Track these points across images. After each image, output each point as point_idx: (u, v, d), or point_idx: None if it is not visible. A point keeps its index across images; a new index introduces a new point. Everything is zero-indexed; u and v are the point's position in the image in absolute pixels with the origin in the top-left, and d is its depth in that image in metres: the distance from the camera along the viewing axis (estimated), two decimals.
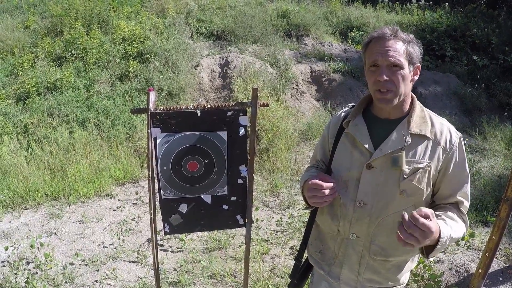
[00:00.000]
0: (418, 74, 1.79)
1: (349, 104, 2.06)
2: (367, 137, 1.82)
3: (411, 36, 1.75)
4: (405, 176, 1.75)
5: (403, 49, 1.69)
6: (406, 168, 1.74)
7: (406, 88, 1.73)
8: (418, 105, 1.83)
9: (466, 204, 1.89)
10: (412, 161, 1.75)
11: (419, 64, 1.76)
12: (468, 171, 1.86)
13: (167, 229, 2.35)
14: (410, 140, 1.76)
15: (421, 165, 1.75)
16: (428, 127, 1.78)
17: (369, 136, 1.82)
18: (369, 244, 1.85)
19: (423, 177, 1.76)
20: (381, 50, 1.69)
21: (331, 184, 1.74)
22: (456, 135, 1.81)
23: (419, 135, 1.77)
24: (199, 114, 2.18)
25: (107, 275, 3.96)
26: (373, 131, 1.83)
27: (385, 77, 1.68)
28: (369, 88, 1.79)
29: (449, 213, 1.80)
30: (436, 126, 1.80)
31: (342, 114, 2.00)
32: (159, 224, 2.41)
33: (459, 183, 1.84)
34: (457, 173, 1.82)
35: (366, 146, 1.80)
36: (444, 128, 1.80)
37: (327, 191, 1.73)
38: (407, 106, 1.82)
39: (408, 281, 2.03)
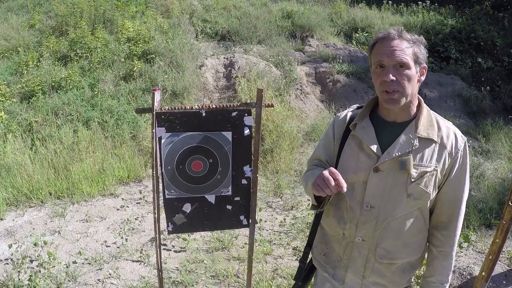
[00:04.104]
0: (425, 74, 1.78)
1: (354, 105, 2.04)
2: (374, 140, 1.81)
3: (416, 36, 1.74)
4: (412, 180, 1.74)
5: (409, 49, 1.68)
6: (413, 172, 1.73)
7: (412, 88, 1.72)
8: (425, 108, 1.82)
9: (460, 220, 1.87)
10: (419, 164, 1.75)
11: (425, 65, 1.75)
12: (468, 180, 1.84)
13: (170, 228, 2.36)
14: (417, 144, 1.75)
15: (428, 169, 1.75)
16: (435, 131, 1.78)
17: (376, 139, 1.81)
18: (375, 247, 1.85)
19: (430, 181, 1.75)
20: (386, 50, 1.68)
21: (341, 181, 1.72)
22: (462, 140, 1.80)
23: (426, 138, 1.76)
24: (204, 114, 2.18)
25: (110, 274, 3.97)
26: (380, 134, 1.82)
27: (391, 77, 1.67)
28: (376, 90, 1.78)
29: (438, 265, 1.92)
30: (443, 130, 1.79)
31: (348, 115, 1.98)
32: (163, 224, 2.41)
33: (458, 190, 1.83)
34: (458, 178, 1.81)
35: (374, 149, 1.79)
36: (450, 132, 1.80)
37: (335, 181, 1.70)
38: (414, 109, 1.81)
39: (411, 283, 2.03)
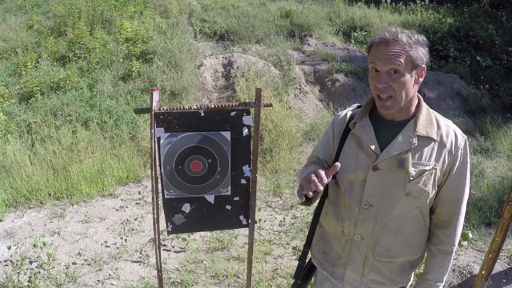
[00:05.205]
0: (423, 75, 1.75)
1: (354, 105, 2.04)
2: (373, 138, 1.81)
3: (416, 37, 1.69)
4: (411, 178, 1.74)
5: (404, 54, 1.64)
6: (412, 170, 1.73)
7: (407, 92, 1.71)
8: (424, 106, 1.82)
9: (461, 219, 1.87)
10: (418, 163, 1.74)
11: (424, 66, 1.72)
12: (468, 179, 1.84)
13: (169, 229, 2.36)
14: (416, 142, 1.75)
15: (427, 168, 1.74)
16: (435, 129, 1.77)
17: (376, 138, 1.81)
18: (374, 245, 1.86)
19: (429, 179, 1.75)
20: (380, 55, 1.66)
21: (323, 180, 1.70)
22: (462, 138, 1.80)
23: (425, 137, 1.76)
24: (202, 114, 2.18)
25: (109, 274, 3.96)
26: (379, 132, 1.82)
27: (383, 84, 1.67)
28: (372, 91, 1.78)
29: (435, 263, 1.91)
30: (442, 128, 1.79)
31: (348, 114, 1.98)
32: (162, 224, 2.41)
33: (459, 189, 1.83)
34: (459, 176, 1.81)
35: (373, 147, 1.79)
36: (450, 131, 1.79)
37: (317, 184, 1.68)
38: (413, 108, 1.81)
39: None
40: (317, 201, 2.03)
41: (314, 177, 1.69)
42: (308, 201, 1.91)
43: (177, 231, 2.39)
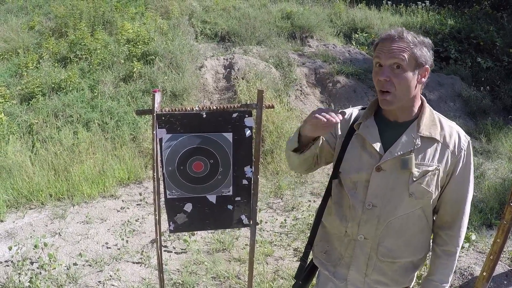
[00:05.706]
0: (427, 76, 1.76)
1: (358, 106, 2.05)
2: (377, 139, 1.81)
3: (421, 37, 1.72)
4: (414, 179, 1.75)
5: (408, 51, 1.67)
6: (415, 171, 1.74)
7: (409, 90, 1.72)
8: (427, 108, 1.83)
9: (464, 220, 1.89)
10: (421, 164, 1.75)
11: (427, 66, 1.73)
12: (472, 180, 1.86)
13: (171, 228, 2.37)
14: (420, 143, 1.76)
15: (430, 168, 1.75)
16: (438, 130, 1.78)
17: (379, 138, 1.82)
18: (377, 245, 1.86)
19: (432, 180, 1.76)
20: (384, 50, 1.69)
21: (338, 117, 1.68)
22: (465, 139, 1.81)
23: (428, 138, 1.77)
24: (204, 116, 2.18)
25: (110, 275, 3.96)
26: (383, 133, 1.83)
27: (384, 77, 1.68)
28: (376, 88, 1.79)
29: (440, 264, 1.92)
30: (446, 129, 1.80)
31: (353, 114, 1.99)
32: (164, 225, 2.41)
33: (462, 189, 1.85)
34: (462, 177, 1.82)
35: (377, 148, 1.80)
36: (453, 132, 1.80)
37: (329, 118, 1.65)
38: (415, 109, 1.81)
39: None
40: (318, 201, 2.03)
41: (327, 110, 1.67)
42: (302, 149, 1.88)
43: (179, 230, 2.40)
